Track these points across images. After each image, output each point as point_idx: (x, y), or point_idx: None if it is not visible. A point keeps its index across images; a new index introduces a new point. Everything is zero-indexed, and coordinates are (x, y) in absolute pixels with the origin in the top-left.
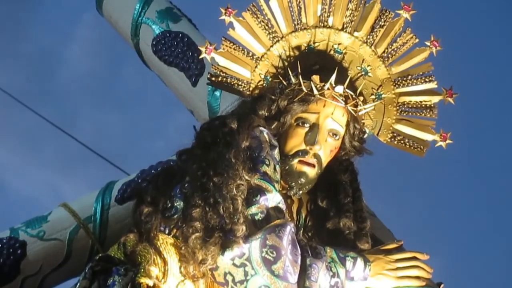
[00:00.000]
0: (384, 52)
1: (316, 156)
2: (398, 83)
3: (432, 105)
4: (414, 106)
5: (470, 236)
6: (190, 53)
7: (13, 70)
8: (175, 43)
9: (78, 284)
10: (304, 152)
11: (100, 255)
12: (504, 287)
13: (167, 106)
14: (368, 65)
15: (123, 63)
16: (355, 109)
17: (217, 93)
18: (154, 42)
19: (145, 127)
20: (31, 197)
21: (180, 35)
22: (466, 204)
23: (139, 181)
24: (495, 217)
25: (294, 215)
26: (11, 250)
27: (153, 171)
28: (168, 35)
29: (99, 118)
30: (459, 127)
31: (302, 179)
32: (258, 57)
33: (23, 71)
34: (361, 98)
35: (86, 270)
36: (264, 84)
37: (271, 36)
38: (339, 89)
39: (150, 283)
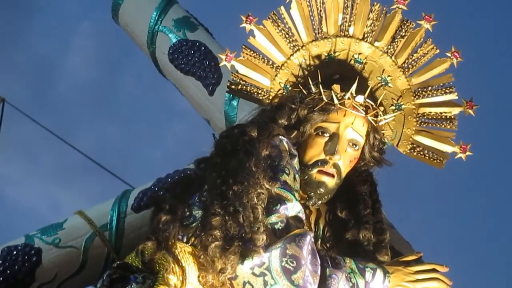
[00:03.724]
0: (404, 62)
1: (335, 166)
2: (418, 94)
3: (452, 117)
4: (434, 117)
5: (485, 249)
6: (207, 62)
7: (11, 80)
8: (192, 52)
9: None
10: (324, 162)
11: (118, 262)
12: None
13: (166, 116)
14: (389, 76)
15: (122, 73)
16: (375, 119)
17: (234, 102)
18: (170, 51)
19: (143, 137)
20: (29, 208)
21: (197, 44)
22: (486, 217)
23: (156, 189)
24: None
25: (312, 226)
26: (26, 257)
27: (169, 179)
28: (185, 43)
29: (98, 128)
30: (474, 138)
31: (321, 189)
32: (278, 66)
33: (22, 81)
34: (381, 108)
35: (104, 278)
36: (284, 93)
37: (291, 44)
38: (360, 99)
39: None
